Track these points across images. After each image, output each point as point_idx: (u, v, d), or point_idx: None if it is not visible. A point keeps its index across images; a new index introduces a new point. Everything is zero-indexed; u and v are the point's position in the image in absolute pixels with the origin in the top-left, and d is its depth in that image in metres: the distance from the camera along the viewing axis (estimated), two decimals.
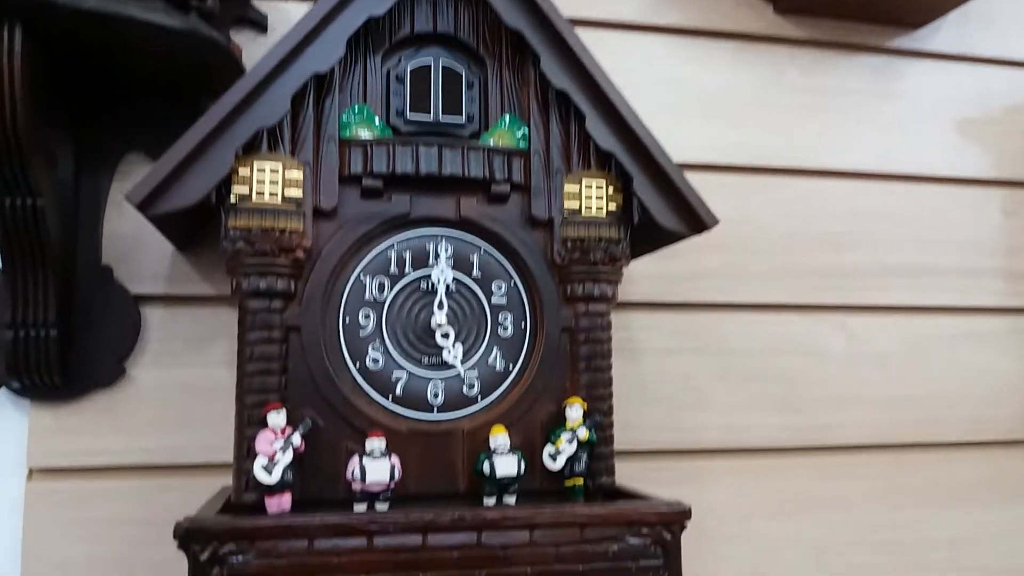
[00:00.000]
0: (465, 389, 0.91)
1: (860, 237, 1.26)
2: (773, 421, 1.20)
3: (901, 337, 1.26)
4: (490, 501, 0.85)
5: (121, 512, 1.02)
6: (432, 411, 0.90)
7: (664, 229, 0.91)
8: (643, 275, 1.17)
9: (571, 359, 0.93)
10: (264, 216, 0.84)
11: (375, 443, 0.83)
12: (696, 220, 0.91)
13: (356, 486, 0.82)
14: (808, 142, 1.26)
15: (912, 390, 1.25)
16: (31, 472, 1.02)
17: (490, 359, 0.92)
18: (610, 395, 0.93)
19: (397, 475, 0.82)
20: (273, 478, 0.80)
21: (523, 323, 0.93)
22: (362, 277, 0.90)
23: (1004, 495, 1.25)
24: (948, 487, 1.24)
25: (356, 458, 0.83)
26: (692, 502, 0.84)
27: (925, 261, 1.28)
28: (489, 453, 0.85)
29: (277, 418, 0.82)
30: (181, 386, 1.04)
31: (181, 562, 0.74)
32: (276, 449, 0.80)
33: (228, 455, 0.94)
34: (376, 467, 0.82)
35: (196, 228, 1.00)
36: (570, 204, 0.92)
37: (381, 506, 0.82)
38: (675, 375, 1.18)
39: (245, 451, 0.83)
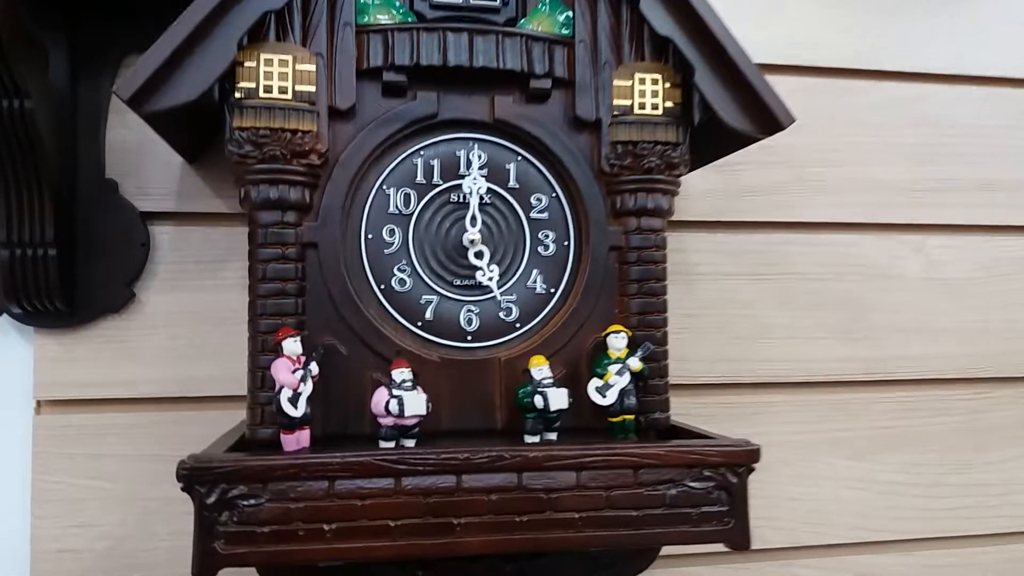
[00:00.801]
0: (502, 315, 0.81)
1: (941, 149, 1.13)
2: (841, 352, 1.09)
3: (984, 260, 1.13)
4: (532, 439, 0.76)
5: (134, 447, 0.95)
6: (466, 339, 0.81)
7: (730, 129, 0.79)
8: (699, 190, 1.06)
9: (620, 281, 0.82)
10: (273, 115, 0.74)
11: (404, 373, 0.74)
12: (769, 118, 0.79)
13: (387, 420, 0.73)
14: (884, 42, 1.12)
15: (994, 319, 1.13)
16: (39, 404, 0.95)
17: (529, 281, 0.82)
18: (664, 322, 0.82)
19: (430, 407, 0.73)
20: (299, 410, 0.71)
21: (566, 241, 0.83)
22: (385, 188, 0.80)
23: None
24: None
25: (386, 390, 0.74)
26: (751, 437, 0.74)
27: (1016, 176, 1.14)
28: (535, 385, 0.76)
29: (294, 345, 0.73)
30: (195, 311, 0.96)
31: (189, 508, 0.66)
32: (298, 379, 0.72)
33: (243, 387, 0.88)
34: (414, 398, 0.72)
35: (205, 135, 0.90)
36: (620, 101, 0.80)
37: (409, 443, 0.74)
38: (733, 301, 1.07)
39: (259, 381, 0.75)
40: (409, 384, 0.73)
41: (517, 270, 0.82)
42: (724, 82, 0.79)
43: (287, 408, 0.71)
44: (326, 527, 0.67)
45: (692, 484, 0.72)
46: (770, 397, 1.07)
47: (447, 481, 0.69)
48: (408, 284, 0.80)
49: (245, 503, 0.66)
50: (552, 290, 0.82)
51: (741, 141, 0.82)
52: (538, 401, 0.75)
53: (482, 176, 0.80)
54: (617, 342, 0.78)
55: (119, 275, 0.93)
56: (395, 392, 0.73)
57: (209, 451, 0.69)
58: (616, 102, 0.80)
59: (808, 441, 1.08)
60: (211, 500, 0.65)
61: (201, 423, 0.94)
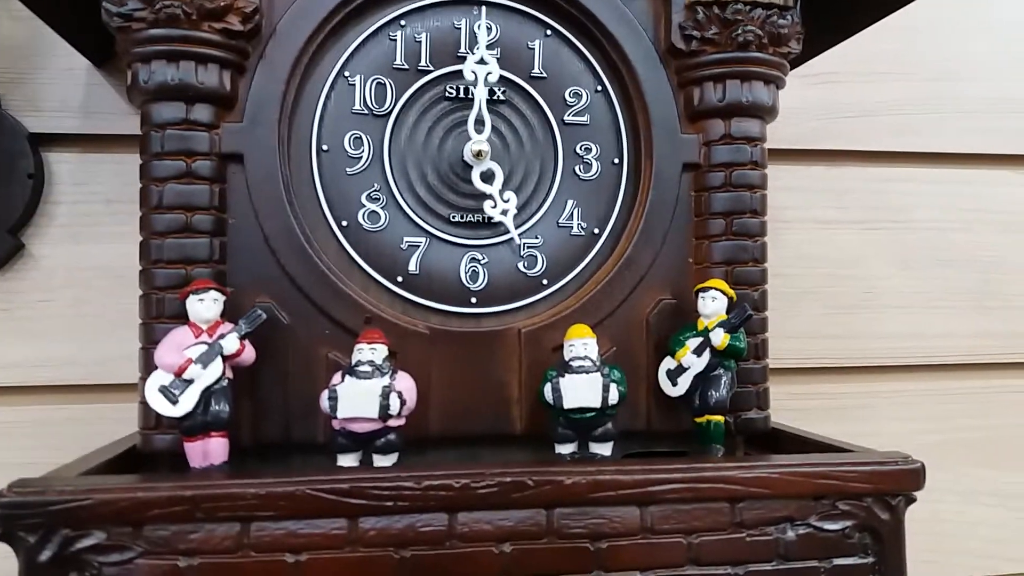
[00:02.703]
0: (522, 266, 0.55)
1: None
2: (973, 326, 0.82)
3: None
4: (565, 449, 0.50)
5: (18, 454, 0.69)
6: (468, 301, 0.55)
7: None
8: (786, 108, 0.78)
9: (698, 216, 0.56)
10: None
11: (367, 352, 0.48)
12: None
13: (335, 423, 0.48)
14: None
15: None
16: None
17: (562, 218, 0.56)
18: (763, 277, 0.56)
19: (403, 407, 0.47)
20: (180, 407, 0.46)
21: (616, 158, 0.56)
22: (348, 76, 0.54)
23: None
24: None
25: (337, 377, 0.48)
26: (857, 439, 0.52)
27: None
28: (559, 369, 0.50)
29: (200, 305, 0.47)
30: (104, 268, 0.70)
31: None
32: (187, 359, 0.46)
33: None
34: (357, 393, 0.47)
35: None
36: None
37: (382, 460, 0.48)
38: (831, 259, 0.79)
39: (145, 366, 0.49)
40: (370, 369, 0.47)
41: (544, 201, 0.56)
42: None
43: (155, 403, 0.46)
44: None
45: (820, 524, 0.46)
46: (881, 385, 0.81)
47: (435, 522, 0.43)
48: (382, 220, 0.54)
49: (103, 560, 0.40)
50: (596, 230, 0.56)
51: (877, 7, 0.55)
52: (547, 393, 0.49)
53: (493, 58, 0.53)
54: (708, 304, 0.52)
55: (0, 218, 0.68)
56: (336, 385, 0.47)
57: (57, 472, 0.44)
58: None
59: (928, 442, 0.81)
60: (44, 556, 0.39)
61: (113, 419, 0.69)
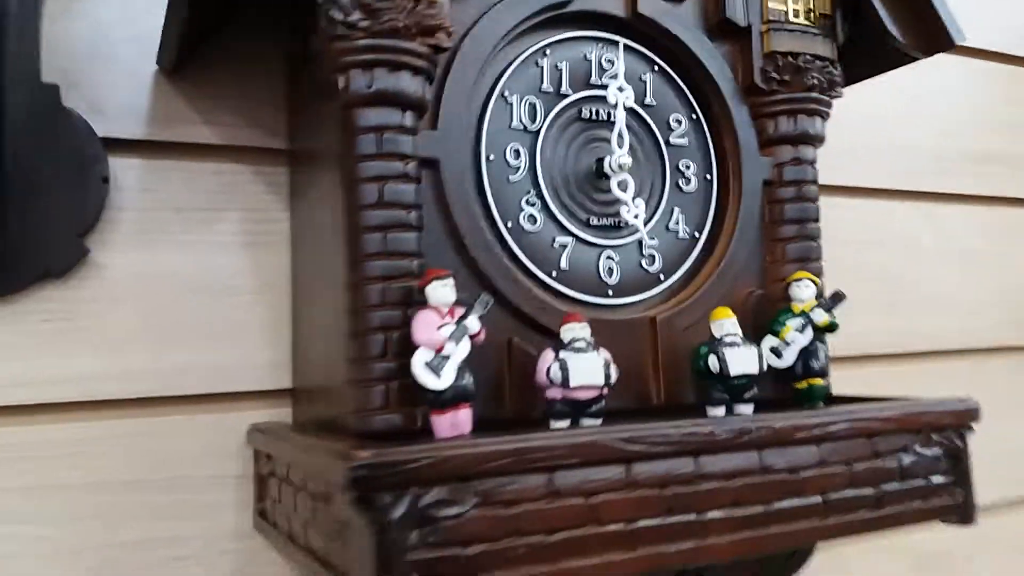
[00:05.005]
0: (644, 263, 0.65)
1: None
2: (876, 324, 1.02)
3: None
4: (716, 411, 0.60)
5: (88, 473, 0.65)
6: (606, 293, 0.63)
7: (893, 43, 0.69)
8: None
9: (773, 223, 0.68)
10: None
11: (575, 330, 0.55)
12: (938, 34, 0.69)
13: (554, 392, 0.54)
14: None
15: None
16: None
17: (671, 223, 0.66)
18: (822, 271, 0.70)
19: (614, 376, 0.55)
20: (443, 380, 0.50)
21: (708, 174, 0.68)
22: (507, 95, 0.61)
23: None
24: None
25: (548, 354, 0.54)
26: None
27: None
28: (713, 344, 0.60)
29: (444, 290, 0.51)
30: (174, 277, 0.69)
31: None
32: (445, 337, 0.50)
33: (247, 379, 0.70)
34: (584, 364, 0.53)
35: (210, 26, 0.65)
36: (775, 6, 0.67)
37: (590, 422, 0.54)
38: None
39: (374, 348, 0.52)
40: (585, 344, 0.54)
41: (658, 208, 0.66)
42: None
43: (422, 377, 0.50)
44: (548, 540, 0.46)
45: (922, 451, 0.60)
46: None
47: (684, 466, 0.51)
48: (539, 222, 0.61)
49: (443, 513, 0.43)
50: (696, 234, 0.67)
51: (891, 62, 0.72)
52: (712, 363, 0.59)
53: (628, 86, 0.63)
54: (802, 291, 0.64)
55: (66, 223, 0.64)
56: (561, 356, 0.54)
57: (361, 447, 0.46)
58: (770, 5, 0.67)
59: None
60: (398, 513, 0.42)
61: (186, 433, 0.68)
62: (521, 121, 0.61)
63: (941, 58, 0.76)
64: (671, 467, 0.50)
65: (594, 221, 0.63)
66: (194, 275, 0.69)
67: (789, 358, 0.64)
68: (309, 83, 0.63)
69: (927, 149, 1.07)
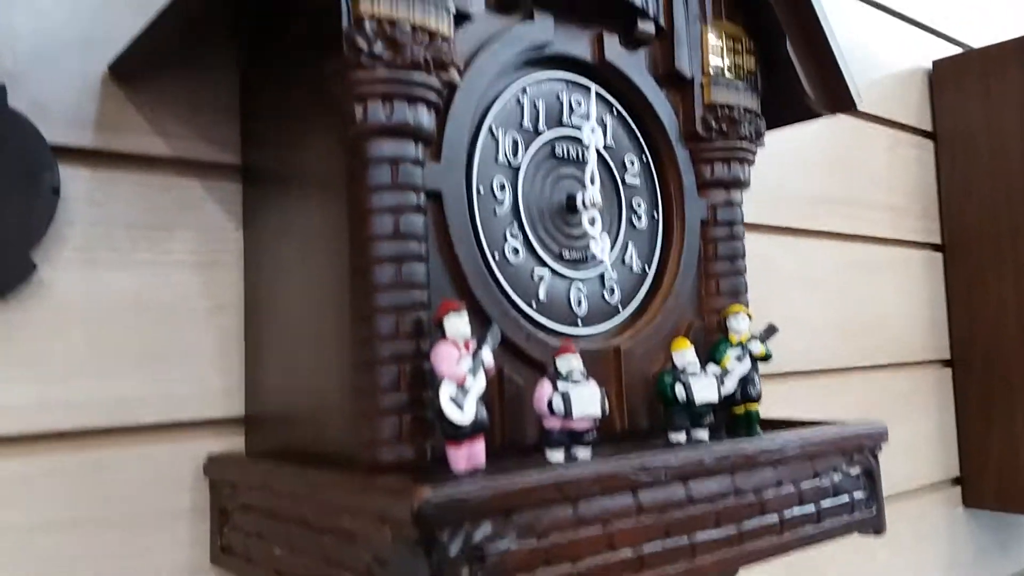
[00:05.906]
0: (606, 294, 0.69)
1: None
2: None
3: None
4: (677, 436, 0.64)
5: (32, 512, 0.59)
6: (577, 323, 0.66)
7: (802, 103, 0.77)
8: None
9: (707, 260, 0.75)
10: (412, 5, 0.53)
11: (572, 361, 0.58)
12: (843, 96, 0.77)
13: (552, 423, 0.56)
14: None
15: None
16: None
17: (626, 256, 0.71)
18: (748, 304, 0.77)
19: (606, 407, 0.58)
20: (467, 415, 0.51)
21: (655, 212, 0.73)
22: (494, 130, 0.63)
23: None
24: None
25: (546, 384, 0.57)
26: None
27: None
28: (676, 373, 0.64)
29: (460, 323, 0.52)
30: (125, 298, 0.64)
31: None
32: (466, 371, 0.51)
33: (203, 407, 0.67)
34: (585, 395, 0.56)
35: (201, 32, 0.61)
36: (715, 61, 0.74)
37: (582, 452, 0.57)
38: None
39: (388, 379, 0.52)
40: (579, 375, 0.57)
41: (615, 243, 0.70)
42: (805, 52, 0.77)
43: (449, 411, 0.51)
44: (573, 569, 0.49)
45: (847, 470, 0.68)
46: None
47: (677, 492, 0.55)
48: (520, 255, 0.63)
49: (491, 548, 0.45)
50: (647, 267, 0.72)
51: (797, 117, 0.81)
52: (680, 392, 0.64)
53: (599, 127, 0.66)
54: (739, 323, 0.71)
55: (14, 235, 0.59)
56: (560, 387, 0.57)
57: (427, 484, 0.45)
58: (711, 61, 0.73)
59: None
60: (454, 549, 0.43)
61: (139, 466, 0.63)
62: (506, 156, 0.63)
63: None
64: (669, 493, 0.54)
65: (566, 254, 0.66)
66: (148, 295, 0.65)
67: (730, 385, 0.70)
68: (302, 101, 0.61)
69: (792, 190, 1.19)
